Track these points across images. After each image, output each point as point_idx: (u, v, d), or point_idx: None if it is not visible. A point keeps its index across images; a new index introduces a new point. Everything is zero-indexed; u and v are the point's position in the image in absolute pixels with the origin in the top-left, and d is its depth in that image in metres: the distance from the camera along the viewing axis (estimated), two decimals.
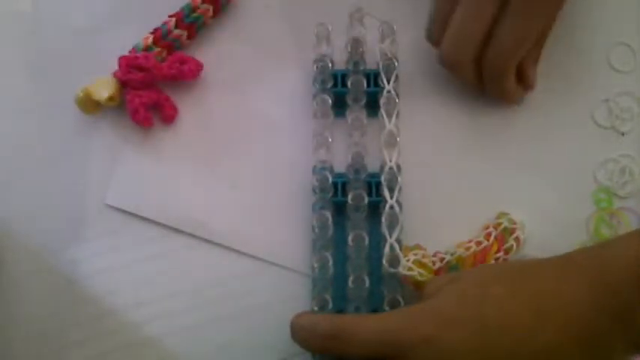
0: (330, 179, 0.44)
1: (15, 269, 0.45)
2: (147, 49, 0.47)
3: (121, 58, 0.47)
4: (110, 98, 0.46)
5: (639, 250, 0.34)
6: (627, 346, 0.33)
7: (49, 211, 0.46)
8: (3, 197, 0.47)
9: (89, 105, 0.47)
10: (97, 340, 0.44)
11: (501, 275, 0.38)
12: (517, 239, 0.43)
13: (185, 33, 0.48)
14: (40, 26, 0.51)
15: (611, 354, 0.34)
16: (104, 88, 0.46)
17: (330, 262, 0.42)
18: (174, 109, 0.48)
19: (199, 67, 0.48)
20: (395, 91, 0.45)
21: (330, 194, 0.44)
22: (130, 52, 0.48)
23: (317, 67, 0.46)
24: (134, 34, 0.48)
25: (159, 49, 0.48)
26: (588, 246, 0.38)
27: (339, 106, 0.46)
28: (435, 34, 0.44)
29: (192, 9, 0.48)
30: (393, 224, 0.42)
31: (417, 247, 0.43)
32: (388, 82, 0.45)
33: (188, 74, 0.47)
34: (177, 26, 0.48)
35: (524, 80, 0.45)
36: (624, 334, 0.33)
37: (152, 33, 0.48)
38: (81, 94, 0.46)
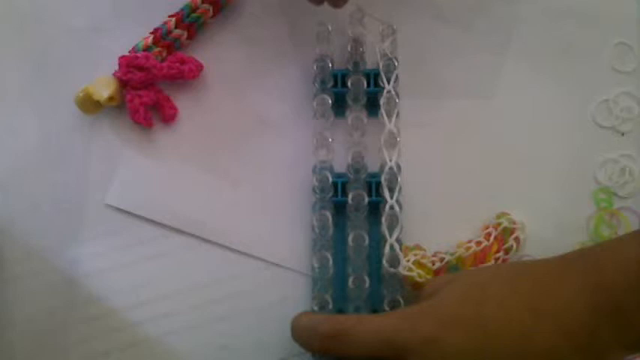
0: (331, 179, 0.44)
1: (15, 269, 0.45)
2: (147, 49, 0.48)
3: (121, 58, 0.47)
4: (110, 98, 0.46)
5: (635, 252, 0.34)
6: (623, 346, 0.34)
7: (49, 210, 0.47)
8: (3, 197, 0.47)
9: (89, 105, 0.47)
10: (97, 340, 0.44)
11: (500, 276, 0.38)
12: (517, 239, 0.43)
13: (185, 33, 0.49)
14: (40, 26, 0.51)
15: (606, 354, 0.34)
16: (104, 88, 0.46)
17: (331, 262, 0.43)
18: (174, 109, 0.48)
19: (199, 67, 0.48)
20: (395, 91, 0.46)
21: (330, 194, 0.44)
22: (130, 51, 0.48)
23: (317, 67, 0.47)
24: (134, 34, 0.48)
25: (159, 49, 0.48)
26: (586, 247, 0.38)
27: (340, 105, 0.47)
28: None
29: (192, 9, 0.48)
30: (393, 224, 0.43)
31: (417, 247, 0.44)
32: (388, 82, 0.46)
33: (188, 74, 0.48)
34: (177, 26, 0.48)
35: None
36: (620, 335, 0.34)
37: (152, 33, 0.48)
38: (81, 94, 0.46)
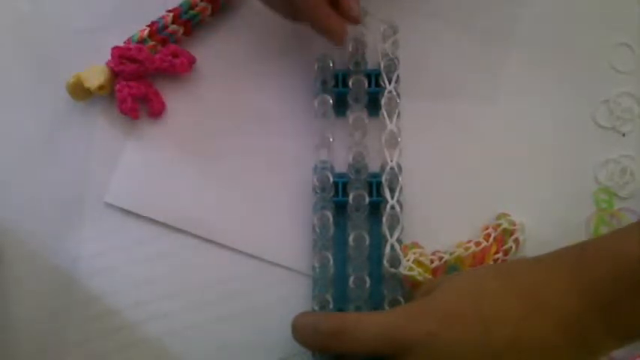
0: (331, 179, 0.46)
1: (15, 269, 0.47)
2: (142, 41, 0.49)
3: (114, 49, 0.48)
4: (100, 87, 0.48)
5: (625, 247, 0.36)
6: (617, 339, 0.36)
7: (49, 210, 0.48)
8: (3, 197, 0.48)
9: (79, 91, 0.48)
10: (97, 340, 0.46)
11: (495, 272, 0.40)
12: (516, 240, 0.45)
13: (181, 29, 0.50)
14: (40, 26, 0.52)
15: (600, 347, 0.36)
16: (96, 77, 0.48)
17: (331, 262, 0.44)
18: (162, 105, 0.49)
19: (192, 60, 0.50)
20: (396, 91, 0.47)
21: (331, 194, 0.46)
22: (125, 42, 0.49)
23: (318, 67, 0.48)
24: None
25: (154, 42, 0.50)
26: (578, 243, 0.40)
27: (340, 105, 0.48)
28: None
29: (191, 6, 0.50)
30: (393, 224, 0.44)
31: (415, 245, 0.45)
32: (389, 82, 0.47)
33: (180, 67, 0.49)
34: (174, 22, 0.50)
35: (342, 10, 0.45)
36: (613, 328, 0.36)
37: (149, 26, 0.50)
38: (72, 80, 0.48)
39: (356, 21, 0.46)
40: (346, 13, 0.45)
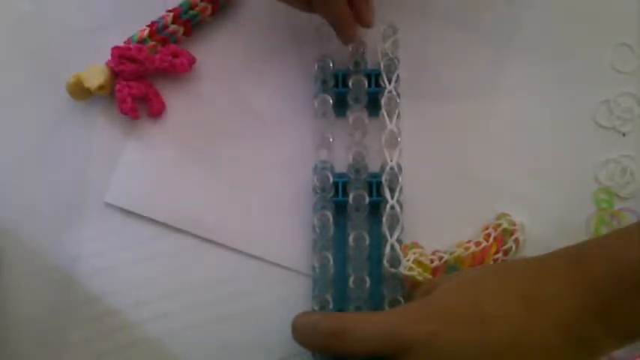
0: (331, 179, 0.46)
1: (15, 269, 0.47)
2: (142, 41, 0.50)
3: (114, 49, 0.49)
4: (100, 87, 0.48)
5: (623, 249, 0.36)
6: (613, 339, 0.36)
7: (48, 210, 0.48)
8: (3, 197, 0.49)
9: (79, 91, 0.49)
10: (97, 340, 0.46)
11: (492, 272, 0.41)
12: (516, 241, 0.45)
13: (181, 29, 0.50)
14: (40, 26, 0.53)
15: (600, 347, 0.36)
16: (96, 77, 0.48)
17: (331, 262, 0.44)
18: (162, 105, 0.50)
19: (192, 60, 0.50)
20: (396, 91, 0.47)
21: (331, 194, 0.46)
22: (125, 42, 0.50)
23: (318, 67, 0.48)
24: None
25: (154, 42, 0.50)
26: (575, 244, 0.40)
27: (340, 105, 0.48)
28: None
29: (191, 6, 0.50)
30: (393, 224, 0.45)
31: (415, 245, 0.45)
32: (389, 82, 0.48)
33: (180, 67, 0.49)
34: (174, 22, 0.50)
35: (356, 13, 0.46)
36: (612, 329, 0.36)
37: (149, 26, 0.50)
38: (72, 80, 0.48)
39: (368, 26, 0.47)
40: (362, 17, 0.46)
